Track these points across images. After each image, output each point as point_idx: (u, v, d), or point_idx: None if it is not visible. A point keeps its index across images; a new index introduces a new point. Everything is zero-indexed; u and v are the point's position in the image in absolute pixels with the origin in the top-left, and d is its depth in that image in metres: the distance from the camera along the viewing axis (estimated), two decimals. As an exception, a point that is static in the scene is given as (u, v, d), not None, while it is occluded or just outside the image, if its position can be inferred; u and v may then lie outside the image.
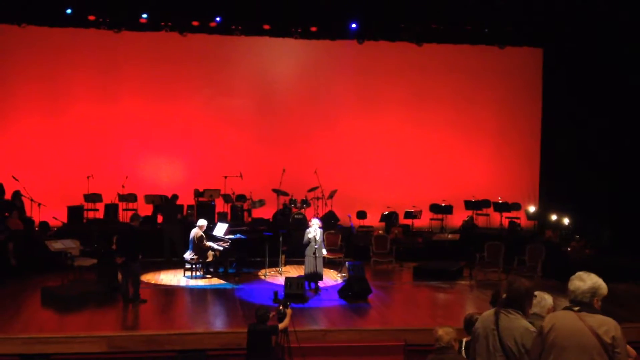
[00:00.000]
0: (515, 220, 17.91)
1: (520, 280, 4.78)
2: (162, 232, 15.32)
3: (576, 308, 4.21)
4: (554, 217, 17.78)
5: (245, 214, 17.17)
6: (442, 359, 5.70)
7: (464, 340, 6.11)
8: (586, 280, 4.28)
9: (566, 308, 4.34)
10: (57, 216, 15.36)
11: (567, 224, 17.34)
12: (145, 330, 9.81)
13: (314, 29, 18.21)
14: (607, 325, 4.10)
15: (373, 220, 17.84)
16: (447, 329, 5.79)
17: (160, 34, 17.75)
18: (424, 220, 18.39)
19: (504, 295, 4.77)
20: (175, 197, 15.87)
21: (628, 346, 4.85)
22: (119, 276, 11.95)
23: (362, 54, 18.82)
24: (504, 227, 17.80)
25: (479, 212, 18.69)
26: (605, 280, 4.36)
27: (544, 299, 5.26)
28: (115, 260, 11.39)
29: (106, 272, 12.04)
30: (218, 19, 17.63)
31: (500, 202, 18.41)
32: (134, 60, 18.02)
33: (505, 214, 18.40)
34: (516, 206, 18.61)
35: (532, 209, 18.93)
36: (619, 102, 16.48)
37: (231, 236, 13.73)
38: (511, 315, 4.60)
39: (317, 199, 17.63)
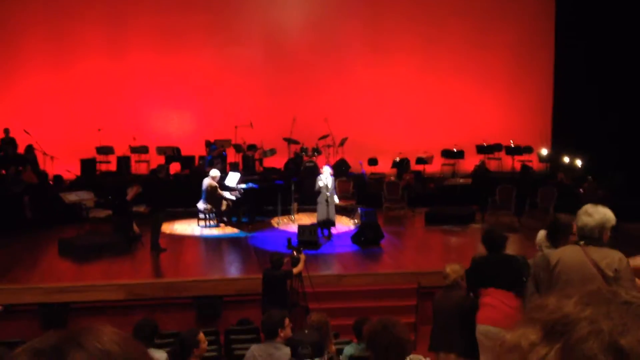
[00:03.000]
0: (528, 163, 17.83)
1: (559, 216, 5.45)
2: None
3: (582, 242, 4.15)
4: (566, 160, 17.67)
5: (257, 163, 17.21)
6: (449, 296, 5.87)
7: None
8: (594, 215, 4.10)
9: (574, 242, 4.33)
10: (70, 169, 15.46)
11: (579, 165, 17.24)
12: (163, 278, 9.99)
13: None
14: (610, 258, 4.01)
15: (384, 167, 17.80)
16: (454, 267, 5.93)
17: (166, -18, 17.53)
18: (436, 166, 18.32)
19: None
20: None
21: None
22: (135, 227, 12.10)
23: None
24: (516, 171, 17.75)
25: (491, 156, 18.60)
26: (618, 221, 4.29)
27: None
28: (139, 210, 11.52)
29: (121, 223, 12.19)
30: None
31: (512, 145, 18.31)
32: (140, 10, 17.81)
33: (517, 158, 18.33)
34: (528, 149, 18.49)
35: (544, 151, 18.79)
36: (634, 44, 16.18)
37: (243, 185, 13.81)
38: (544, 246, 5.20)
39: (328, 146, 17.59)
